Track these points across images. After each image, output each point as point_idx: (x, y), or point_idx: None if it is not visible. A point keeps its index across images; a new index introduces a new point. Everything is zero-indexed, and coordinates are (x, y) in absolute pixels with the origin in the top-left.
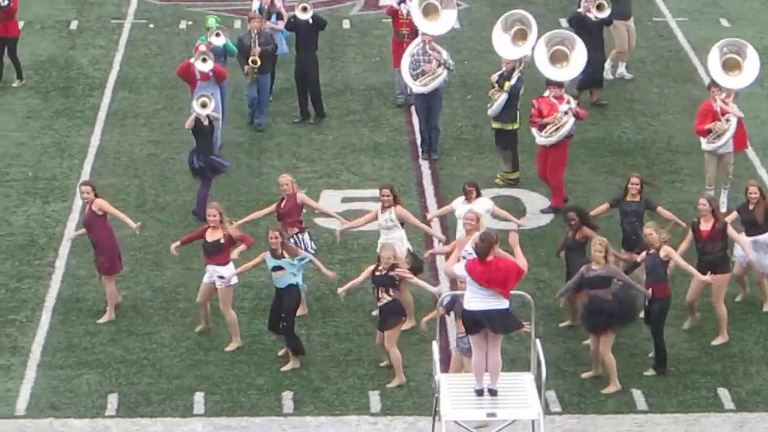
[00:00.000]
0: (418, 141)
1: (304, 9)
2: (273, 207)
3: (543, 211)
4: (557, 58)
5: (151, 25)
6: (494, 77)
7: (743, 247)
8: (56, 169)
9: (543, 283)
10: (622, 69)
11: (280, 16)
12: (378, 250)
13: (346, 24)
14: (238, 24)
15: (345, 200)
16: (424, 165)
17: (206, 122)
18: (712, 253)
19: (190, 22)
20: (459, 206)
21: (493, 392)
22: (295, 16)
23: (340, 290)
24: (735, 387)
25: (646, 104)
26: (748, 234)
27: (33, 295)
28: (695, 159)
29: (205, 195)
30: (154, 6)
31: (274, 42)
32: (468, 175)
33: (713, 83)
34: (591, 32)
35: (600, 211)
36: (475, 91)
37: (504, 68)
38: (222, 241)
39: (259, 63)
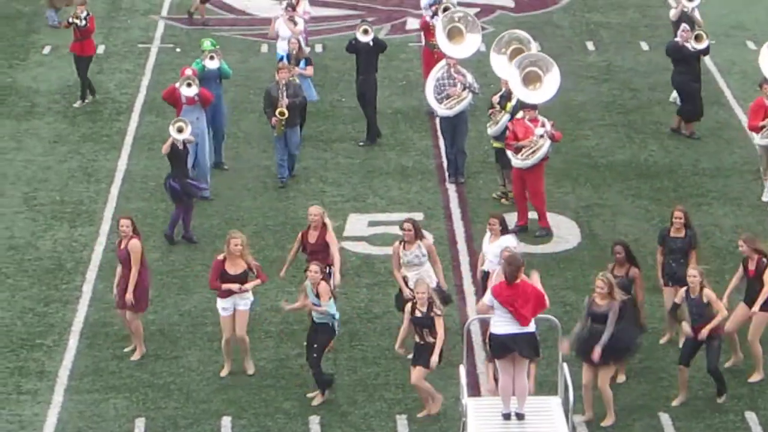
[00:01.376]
0: (445, 165)
1: (365, 32)
2: (298, 242)
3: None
4: (530, 79)
5: (178, 50)
6: (495, 98)
7: None
8: (83, 194)
9: (569, 307)
10: None
11: (308, 62)
12: (411, 285)
13: None
14: (264, 48)
15: (372, 224)
16: (451, 188)
17: (182, 147)
18: (755, 291)
19: (216, 47)
20: (486, 245)
21: (520, 416)
22: (356, 38)
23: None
24: (762, 410)
25: None
26: None
27: (60, 320)
28: (722, 182)
29: (178, 217)
30: (180, 30)
31: (302, 94)
32: (495, 199)
33: (765, 80)
34: (688, 62)
35: (661, 261)
36: None
37: (504, 89)
38: (249, 271)
39: (286, 115)
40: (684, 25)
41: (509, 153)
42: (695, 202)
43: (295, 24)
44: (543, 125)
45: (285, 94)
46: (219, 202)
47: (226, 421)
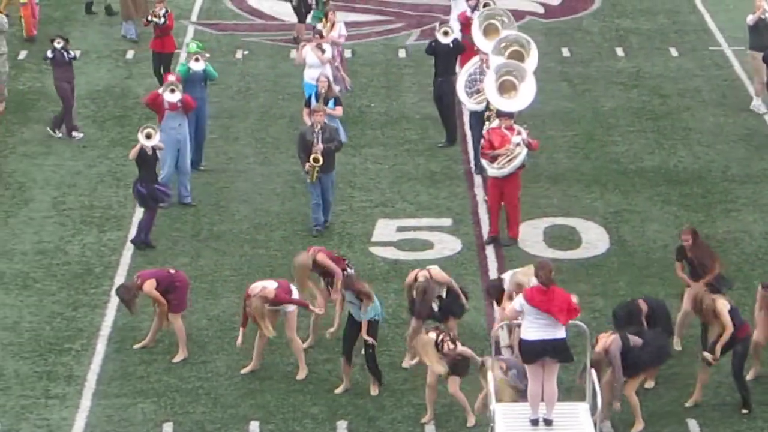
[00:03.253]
0: (472, 166)
1: (446, 33)
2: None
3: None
4: (506, 88)
5: (207, 55)
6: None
7: None
8: (112, 198)
9: (598, 313)
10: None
11: (337, 101)
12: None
13: (402, 53)
14: (293, 54)
15: (400, 229)
16: (479, 194)
17: (150, 152)
18: None
19: (246, 52)
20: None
21: (548, 422)
22: (436, 40)
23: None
24: None
25: (702, 133)
26: None
27: (88, 324)
28: (751, 188)
29: (148, 223)
30: (210, 36)
31: (338, 138)
32: (523, 204)
33: None
34: None
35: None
36: (530, 120)
37: None
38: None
39: (321, 162)
40: None
41: (484, 162)
42: (724, 209)
43: (323, 52)
44: (519, 133)
45: (320, 138)
46: (248, 207)
47: (254, 426)
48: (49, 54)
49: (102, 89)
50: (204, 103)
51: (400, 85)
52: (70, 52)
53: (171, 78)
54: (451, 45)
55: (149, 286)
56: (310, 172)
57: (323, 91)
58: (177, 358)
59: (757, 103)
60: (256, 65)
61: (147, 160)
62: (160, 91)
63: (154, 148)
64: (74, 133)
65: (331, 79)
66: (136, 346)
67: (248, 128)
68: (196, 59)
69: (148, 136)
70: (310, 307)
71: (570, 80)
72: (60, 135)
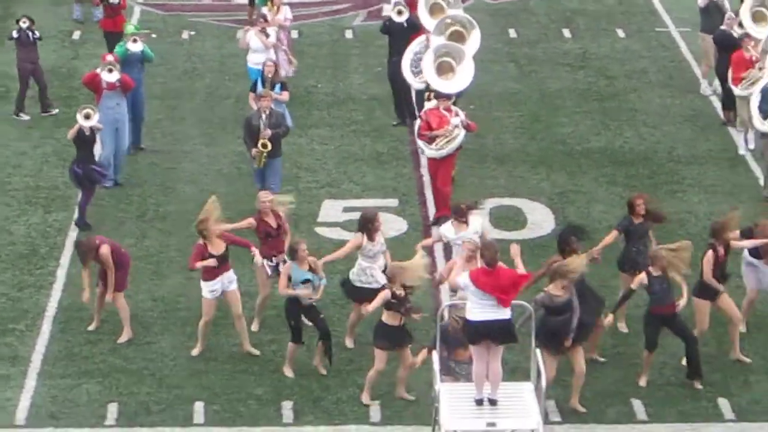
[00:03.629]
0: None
1: (399, 12)
2: (251, 222)
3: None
4: (443, 69)
5: (154, 36)
6: None
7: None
8: (58, 179)
9: (544, 293)
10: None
11: (284, 87)
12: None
13: (348, 34)
14: (240, 35)
15: (346, 210)
16: (426, 174)
17: (88, 133)
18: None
19: (192, 32)
20: (448, 231)
21: (493, 402)
22: (390, 19)
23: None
24: (735, 397)
25: (648, 114)
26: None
27: (34, 305)
28: (696, 169)
29: (85, 204)
30: (156, 16)
31: (285, 123)
32: (470, 185)
33: (746, 35)
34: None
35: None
36: (477, 101)
37: None
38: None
39: (269, 147)
40: (730, 13)
41: (421, 143)
42: (670, 189)
43: (267, 36)
44: (457, 115)
45: (267, 124)
46: (194, 188)
47: (198, 407)
48: (15, 34)
49: (48, 69)
50: (141, 85)
51: (347, 65)
52: (36, 32)
53: (109, 58)
54: (405, 24)
55: (106, 249)
56: (257, 158)
57: (270, 75)
58: (122, 339)
59: (704, 86)
60: (202, 46)
61: (85, 141)
62: (98, 70)
63: (92, 129)
64: (21, 114)
65: (278, 63)
66: (90, 328)
67: (194, 109)
68: (134, 40)
69: (87, 117)
70: (253, 248)
71: (517, 61)
72: (27, 117)
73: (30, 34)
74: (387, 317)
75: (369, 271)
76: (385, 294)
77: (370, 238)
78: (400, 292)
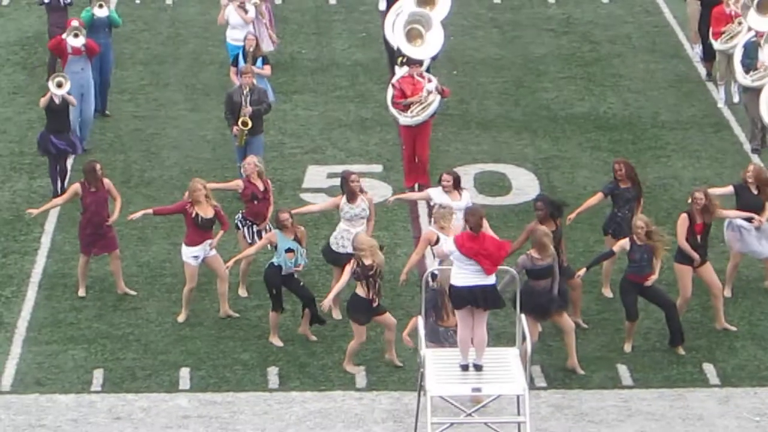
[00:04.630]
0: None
1: None
2: (239, 184)
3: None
4: (413, 36)
5: (137, 1)
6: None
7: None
8: None
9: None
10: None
11: (266, 60)
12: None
13: (332, 0)
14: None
15: (330, 176)
16: None
17: (58, 102)
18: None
19: None
20: (437, 195)
21: (478, 367)
22: None
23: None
24: (720, 362)
25: (632, 80)
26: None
27: (19, 271)
28: (680, 134)
29: (55, 173)
30: None
31: (267, 100)
32: (454, 150)
33: None
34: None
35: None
36: (461, 67)
37: None
38: (215, 215)
39: (249, 125)
40: None
41: (395, 112)
42: (654, 155)
43: (246, 12)
44: (430, 81)
45: (249, 100)
46: (178, 153)
47: (184, 372)
48: None
49: (32, 35)
50: (108, 50)
51: (331, 31)
52: None
53: (74, 23)
54: None
55: (110, 182)
56: (238, 136)
57: (251, 50)
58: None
59: (692, 52)
60: (186, 11)
61: (56, 109)
62: (64, 36)
63: (63, 98)
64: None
65: (259, 36)
66: (80, 294)
67: (178, 74)
68: (100, 5)
69: (59, 85)
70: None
71: (500, 27)
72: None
73: None
74: (359, 289)
75: (346, 235)
76: (348, 270)
77: (349, 199)
78: (370, 262)
